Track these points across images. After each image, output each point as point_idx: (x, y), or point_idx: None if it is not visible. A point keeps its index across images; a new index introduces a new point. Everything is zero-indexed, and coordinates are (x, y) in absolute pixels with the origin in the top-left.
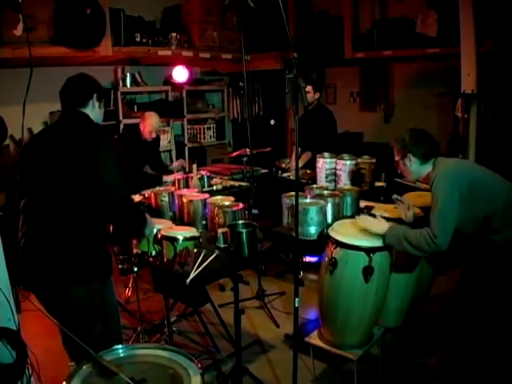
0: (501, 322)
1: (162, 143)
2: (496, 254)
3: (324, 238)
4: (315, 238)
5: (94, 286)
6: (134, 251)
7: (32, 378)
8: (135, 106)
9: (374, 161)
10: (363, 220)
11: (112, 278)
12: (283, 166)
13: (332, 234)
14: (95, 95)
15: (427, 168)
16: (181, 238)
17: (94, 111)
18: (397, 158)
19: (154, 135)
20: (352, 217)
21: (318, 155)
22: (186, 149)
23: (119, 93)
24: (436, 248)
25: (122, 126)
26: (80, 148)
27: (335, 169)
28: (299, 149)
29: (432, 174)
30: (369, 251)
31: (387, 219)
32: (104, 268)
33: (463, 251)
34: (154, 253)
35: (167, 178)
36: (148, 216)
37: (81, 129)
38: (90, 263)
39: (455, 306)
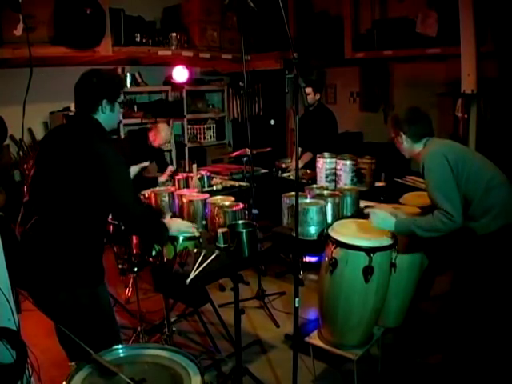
0: (495, 317)
1: None
2: (478, 248)
3: (324, 238)
4: (315, 238)
5: (79, 292)
6: (134, 251)
7: (32, 378)
8: (135, 106)
9: (374, 161)
10: (373, 220)
11: (106, 282)
12: (283, 165)
13: (332, 233)
14: (105, 100)
15: (418, 147)
16: (181, 237)
17: (105, 115)
18: (392, 135)
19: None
20: (352, 217)
21: (317, 155)
22: (186, 149)
23: None
24: (455, 225)
25: (121, 126)
26: (80, 158)
27: (335, 169)
28: (300, 149)
29: (421, 154)
30: (369, 251)
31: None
32: (92, 276)
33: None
34: (154, 253)
35: (162, 179)
36: (169, 219)
37: (86, 138)
38: (78, 269)
39: (450, 306)
